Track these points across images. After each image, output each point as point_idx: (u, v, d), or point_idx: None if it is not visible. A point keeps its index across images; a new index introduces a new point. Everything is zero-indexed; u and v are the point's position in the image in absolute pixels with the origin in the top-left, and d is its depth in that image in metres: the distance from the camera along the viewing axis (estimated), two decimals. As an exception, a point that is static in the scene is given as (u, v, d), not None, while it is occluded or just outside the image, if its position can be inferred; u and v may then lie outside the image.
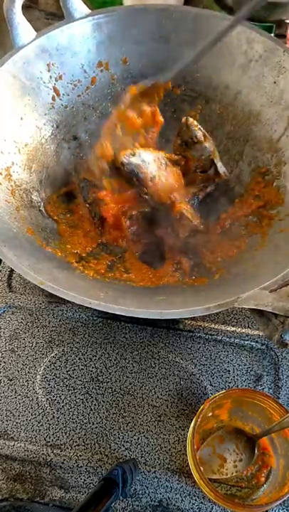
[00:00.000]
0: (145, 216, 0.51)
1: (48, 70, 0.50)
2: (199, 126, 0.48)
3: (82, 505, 0.34)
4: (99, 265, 0.48)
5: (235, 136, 0.53)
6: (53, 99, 0.52)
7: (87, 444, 0.45)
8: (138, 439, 0.45)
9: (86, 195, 0.52)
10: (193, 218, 0.49)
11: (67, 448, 0.45)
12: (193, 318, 0.50)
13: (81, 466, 0.44)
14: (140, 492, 0.43)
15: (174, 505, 0.42)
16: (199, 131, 0.48)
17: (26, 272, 0.37)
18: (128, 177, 0.46)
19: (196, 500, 0.42)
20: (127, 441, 0.45)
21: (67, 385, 0.47)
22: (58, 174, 0.54)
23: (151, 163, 0.45)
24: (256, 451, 0.42)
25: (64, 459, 0.44)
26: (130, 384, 0.48)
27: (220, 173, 0.50)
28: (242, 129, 0.52)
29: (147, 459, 0.44)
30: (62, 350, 0.49)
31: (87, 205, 0.52)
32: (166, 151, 0.52)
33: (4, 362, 0.49)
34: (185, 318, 0.50)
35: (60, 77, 0.51)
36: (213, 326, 0.50)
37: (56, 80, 0.51)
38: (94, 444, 0.45)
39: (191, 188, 0.52)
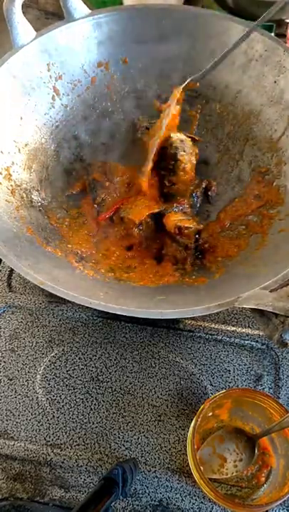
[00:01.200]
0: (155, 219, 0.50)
1: (48, 70, 0.50)
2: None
3: (82, 505, 0.34)
4: (99, 265, 0.48)
5: (235, 136, 0.53)
6: (53, 98, 0.52)
7: (87, 444, 0.45)
8: (138, 438, 0.45)
9: (95, 196, 0.52)
10: (190, 223, 0.49)
11: (68, 447, 0.45)
12: (193, 318, 0.50)
13: (81, 466, 0.44)
14: (140, 492, 0.43)
15: (174, 504, 0.42)
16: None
17: (26, 272, 0.37)
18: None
19: (196, 500, 0.42)
20: (127, 441, 0.45)
21: (67, 385, 0.47)
22: (58, 174, 0.54)
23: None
24: (256, 451, 0.42)
25: (64, 459, 0.44)
26: (130, 384, 0.48)
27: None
28: (242, 128, 0.52)
29: (147, 459, 0.44)
30: (63, 349, 0.49)
31: (95, 206, 0.52)
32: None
33: (4, 362, 0.49)
34: (185, 318, 0.50)
35: (60, 77, 0.51)
36: (213, 325, 0.50)
37: (56, 80, 0.51)
38: (94, 444, 0.45)
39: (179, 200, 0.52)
